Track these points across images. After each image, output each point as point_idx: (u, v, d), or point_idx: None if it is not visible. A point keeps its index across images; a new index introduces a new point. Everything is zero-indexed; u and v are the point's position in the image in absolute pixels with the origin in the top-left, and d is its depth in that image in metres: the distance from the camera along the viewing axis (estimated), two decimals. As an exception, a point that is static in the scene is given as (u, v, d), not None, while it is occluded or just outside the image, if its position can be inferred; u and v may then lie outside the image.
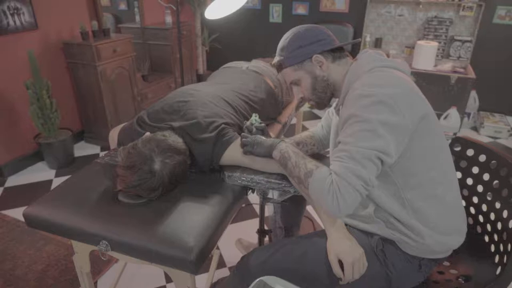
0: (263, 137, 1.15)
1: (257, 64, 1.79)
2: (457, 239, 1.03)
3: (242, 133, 1.19)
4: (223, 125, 1.21)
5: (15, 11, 2.51)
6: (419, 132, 0.92)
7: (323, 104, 1.15)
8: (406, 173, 0.95)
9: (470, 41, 3.35)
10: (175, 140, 1.14)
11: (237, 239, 1.96)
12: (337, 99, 1.13)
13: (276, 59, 1.12)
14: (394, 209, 0.98)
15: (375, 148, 0.86)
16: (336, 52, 1.09)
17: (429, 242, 0.97)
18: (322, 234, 1.05)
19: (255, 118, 1.27)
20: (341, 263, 0.97)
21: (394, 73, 0.97)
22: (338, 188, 0.85)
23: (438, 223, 0.98)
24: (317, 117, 3.84)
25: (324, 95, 1.12)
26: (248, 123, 1.25)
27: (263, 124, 1.25)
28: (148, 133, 1.17)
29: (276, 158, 1.08)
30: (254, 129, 1.22)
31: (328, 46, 1.07)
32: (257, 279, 0.97)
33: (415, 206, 0.97)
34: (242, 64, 1.78)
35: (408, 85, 0.94)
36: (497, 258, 1.13)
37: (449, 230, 1.01)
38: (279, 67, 1.13)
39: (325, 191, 0.87)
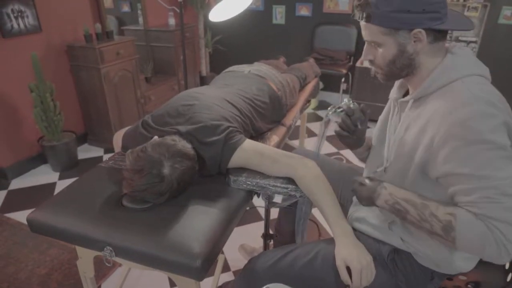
0: (362, 178, 0.98)
1: (259, 67, 1.77)
2: (474, 261, 1.00)
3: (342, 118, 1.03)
4: (230, 128, 1.20)
5: (19, 14, 2.51)
6: None
7: (389, 80, 0.96)
8: None
9: (475, 42, 3.32)
10: (184, 145, 1.12)
11: (240, 245, 1.95)
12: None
13: (369, 7, 0.84)
14: None
15: None
16: (439, 32, 0.85)
17: (455, 257, 0.94)
18: (331, 241, 1.04)
19: (347, 103, 1.04)
20: (349, 270, 0.95)
21: (490, 85, 0.86)
22: (503, 236, 0.74)
23: None
24: (321, 119, 3.83)
25: (399, 73, 0.92)
26: (343, 105, 1.03)
27: (357, 104, 1.04)
28: (156, 137, 1.16)
29: (384, 208, 0.93)
30: (354, 113, 1.01)
31: (438, 22, 0.82)
32: (264, 287, 0.96)
33: None
34: (244, 68, 1.76)
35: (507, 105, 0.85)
36: (507, 265, 1.10)
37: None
38: (367, 17, 0.85)
39: (486, 243, 0.76)
